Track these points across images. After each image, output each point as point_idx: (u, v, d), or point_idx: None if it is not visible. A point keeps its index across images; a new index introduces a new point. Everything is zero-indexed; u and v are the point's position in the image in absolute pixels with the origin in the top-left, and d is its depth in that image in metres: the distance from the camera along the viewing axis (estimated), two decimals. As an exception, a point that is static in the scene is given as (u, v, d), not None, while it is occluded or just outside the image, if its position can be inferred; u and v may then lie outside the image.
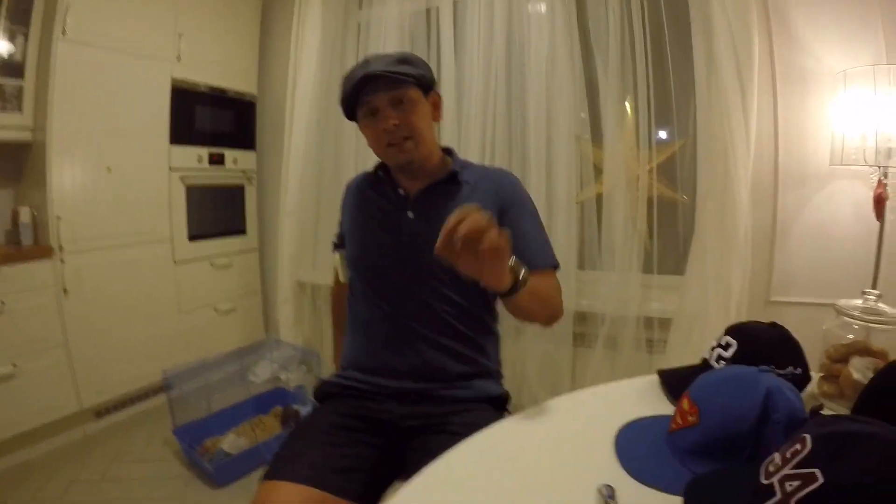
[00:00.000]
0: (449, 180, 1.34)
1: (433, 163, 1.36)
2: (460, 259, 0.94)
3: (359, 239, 1.40)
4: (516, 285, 1.05)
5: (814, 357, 1.09)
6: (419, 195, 1.33)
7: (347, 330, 1.44)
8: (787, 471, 0.61)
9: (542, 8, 2.56)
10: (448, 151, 1.43)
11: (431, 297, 1.29)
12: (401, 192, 1.35)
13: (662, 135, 2.55)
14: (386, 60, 1.25)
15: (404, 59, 1.28)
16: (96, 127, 2.56)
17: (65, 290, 2.46)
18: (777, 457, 0.64)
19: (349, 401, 1.29)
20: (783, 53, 2.27)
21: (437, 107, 1.37)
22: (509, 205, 1.33)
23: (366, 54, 1.29)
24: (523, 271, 1.05)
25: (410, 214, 1.32)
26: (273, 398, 2.77)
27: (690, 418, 0.81)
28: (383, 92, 1.23)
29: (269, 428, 2.47)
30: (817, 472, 0.58)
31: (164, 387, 2.53)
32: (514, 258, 1.03)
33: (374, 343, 1.33)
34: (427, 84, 1.31)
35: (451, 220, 0.90)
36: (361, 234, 1.40)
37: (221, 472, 2.22)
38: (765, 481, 0.63)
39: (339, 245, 1.53)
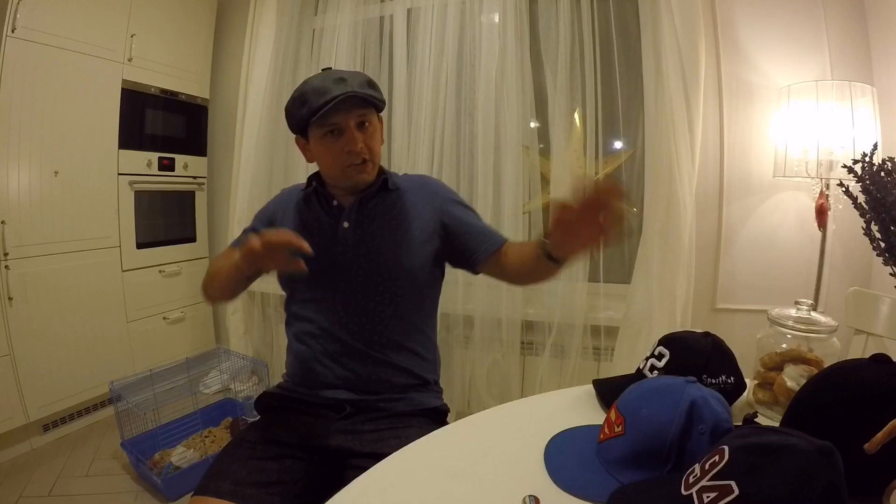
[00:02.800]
0: (381, 188, 1.37)
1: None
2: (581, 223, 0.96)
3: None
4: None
5: (757, 364, 1.11)
6: (354, 205, 1.34)
7: (288, 343, 1.42)
8: (705, 482, 0.62)
9: (495, 18, 2.57)
10: None
11: (369, 308, 1.30)
12: (335, 203, 1.36)
13: (616, 145, 2.59)
14: (359, 81, 1.25)
15: (372, 83, 1.29)
16: (44, 129, 2.48)
17: (9, 298, 2.37)
18: (697, 468, 0.65)
19: (288, 414, 1.29)
20: (730, 68, 2.34)
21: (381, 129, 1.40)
22: (447, 205, 1.40)
23: (329, 69, 1.34)
24: None
25: (346, 224, 1.33)
26: (223, 409, 2.73)
27: (617, 429, 0.82)
28: (355, 113, 1.24)
29: (220, 440, 2.43)
30: (733, 483, 0.59)
31: (111, 399, 2.46)
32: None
33: (311, 357, 1.33)
34: (381, 109, 1.35)
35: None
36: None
37: (170, 486, 2.17)
38: (684, 492, 0.64)
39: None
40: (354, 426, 1.24)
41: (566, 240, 1.05)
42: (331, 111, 1.20)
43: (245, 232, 1.47)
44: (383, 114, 1.37)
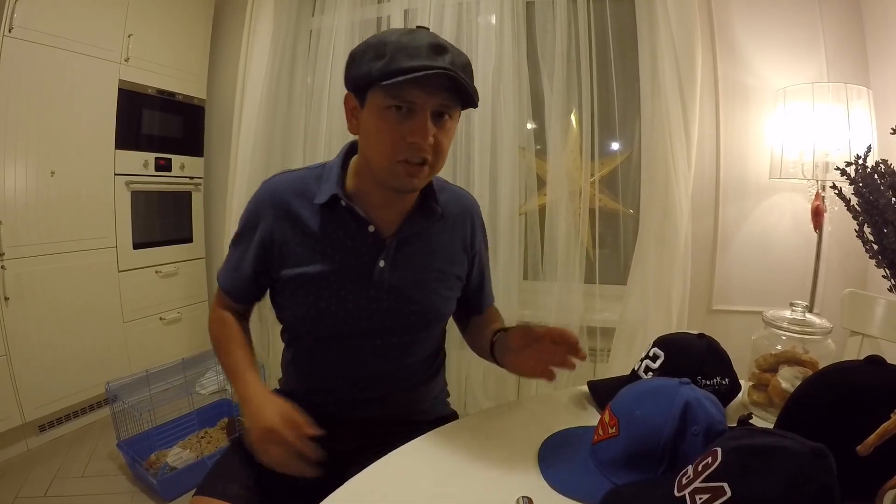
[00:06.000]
0: (426, 212, 1.14)
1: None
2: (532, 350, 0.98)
3: (312, 288, 1.09)
4: None
5: (752, 366, 1.12)
6: (393, 241, 1.10)
7: (287, 363, 1.26)
8: (697, 483, 0.62)
9: (492, 19, 2.57)
10: None
11: (396, 352, 1.15)
12: (371, 229, 1.08)
13: (612, 147, 2.59)
14: (462, 60, 0.96)
15: (472, 73, 1.00)
16: (40, 129, 2.47)
17: (5, 298, 2.36)
18: (690, 469, 0.65)
19: None
20: (727, 70, 2.35)
21: None
22: (479, 245, 1.27)
23: (425, 28, 1.00)
24: None
25: (382, 263, 1.09)
26: (219, 410, 2.72)
27: (611, 430, 0.82)
28: (440, 97, 0.95)
29: (216, 441, 2.43)
30: (726, 485, 0.59)
31: (107, 399, 2.46)
32: None
33: (323, 391, 1.18)
34: (471, 106, 1.04)
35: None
36: (316, 283, 1.09)
37: (167, 487, 2.17)
38: (677, 493, 0.64)
39: (244, 292, 1.19)
40: (365, 430, 1.17)
41: (517, 360, 1.04)
42: (411, 84, 0.91)
43: (235, 245, 1.19)
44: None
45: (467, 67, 0.97)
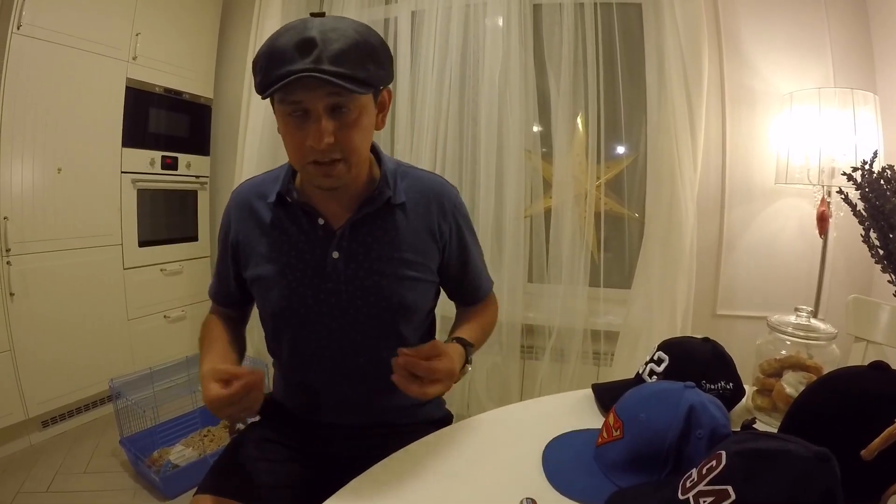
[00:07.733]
0: (378, 200, 1.08)
1: (362, 180, 1.09)
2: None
3: (274, 286, 1.10)
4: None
5: (756, 370, 1.12)
6: (345, 230, 1.07)
7: (276, 370, 1.26)
8: (702, 486, 0.62)
9: (499, 22, 2.57)
10: (373, 151, 1.13)
11: (365, 346, 1.11)
12: (320, 222, 1.08)
13: (618, 150, 2.59)
14: (335, 48, 0.88)
15: (367, 52, 0.92)
16: (48, 126, 2.48)
17: (11, 294, 2.37)
18: (694, 472, 0.65)
19: (289, 418, 1.20)
20: (733, 75, 2.35)
21: (384, 108, 1.06)
22: (452, 231, 1.17)
23: (320, 14, 0.93)
24: (467, 363, 1.08)
25: (335, 254, 1.07)
26: (223, 408, 2.71)
27: (615, 433, 0.82)
28: (323, 92, 0.90)
29: (218, 439, 2.43)
30: (730, 488, 0.59)
31: (111, 396, 2.46)
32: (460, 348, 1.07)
33: (306, 390, 1.17)
34: (373, 88, 0.98)
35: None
36: (276, 281, 1.09)
37: (169, 484, 2.18)
38: (681, 496, 0.64)
39: (223, 296, 1.25)
40: (358, 433, 1.16)
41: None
42: (292, 87, 0.88)
43: (218, 253, 1.22)
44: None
45: (343, 55, 0.88)
